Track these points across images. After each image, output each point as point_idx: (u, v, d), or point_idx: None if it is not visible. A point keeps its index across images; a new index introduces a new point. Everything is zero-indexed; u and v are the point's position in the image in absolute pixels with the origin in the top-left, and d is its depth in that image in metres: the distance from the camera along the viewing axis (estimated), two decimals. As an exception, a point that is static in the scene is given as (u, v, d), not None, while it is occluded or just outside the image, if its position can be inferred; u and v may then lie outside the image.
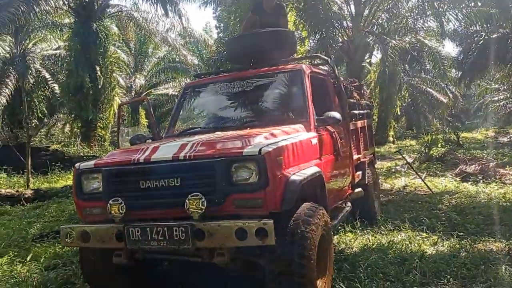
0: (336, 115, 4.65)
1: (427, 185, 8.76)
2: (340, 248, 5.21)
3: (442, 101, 30.42)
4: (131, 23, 19.96)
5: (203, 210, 3.26)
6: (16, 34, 20.65)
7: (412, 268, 4.45)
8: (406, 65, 22.60)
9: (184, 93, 5.29)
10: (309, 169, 3.87)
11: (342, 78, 6.58)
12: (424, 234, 5.66)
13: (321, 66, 6.02)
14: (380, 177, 11.10)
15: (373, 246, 5.17)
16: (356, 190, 6.11)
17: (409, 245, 5.23)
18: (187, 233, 3.28)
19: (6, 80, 19.87)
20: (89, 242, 3.53)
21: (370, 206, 6.40)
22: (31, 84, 19.25)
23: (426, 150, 13.63)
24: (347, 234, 5.73)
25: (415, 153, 15.02)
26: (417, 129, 32.62)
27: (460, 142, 20.28)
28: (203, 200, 3.27)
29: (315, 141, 4.36)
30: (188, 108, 5.34)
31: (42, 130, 23.52)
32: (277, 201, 3.35)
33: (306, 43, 11.50)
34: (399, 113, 27.24)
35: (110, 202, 3.42)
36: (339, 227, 5.80)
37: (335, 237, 5.70)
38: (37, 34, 22.50)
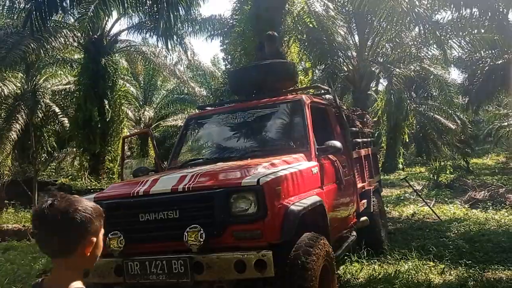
0: (337, 144, 4.66)
1: (435, 213, 8.66)
2: (346, 279, 5.13)
3: (450, 127, 30.26)
4: (140, 57, 20.30)
5: (202, 243, 3.26)
6: (27, 71, 21.16)
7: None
8: (413, 93, 22.64)
9: (187, 124, 5.36)
10: (310, 199, 3.86)
11: (344, 107, 6.62)
12: (431, 263, 5.56)
13: (323, 96, 6.06)
14: (388, 205, 11.07)
15: (379, 276, 5.08)
16: (362, 218, 6.07)
17: (416, 274, 5.14)
18: (186, 266, 3.27)
19: (17, 115, 20.26)
20: (88, 277, 3.51)
21: (376, 234, 6.31)
22: (39, 119, 19.55)
23: (435, 177, 13.51)
24: (353, 264, 5.64)
25: (424, 180, 14.88)
26: (426, 156, 32.35)
27: (470, 168, 20.15)
28: (201, 232, 3.27)
29: (316, 170, 4.37)
30: (192, 139, 5.39)
31: (52, 164, 23.74)
32: (276, 231, 3.34)
33: (310, 74, 11.61)
34: (407, 140, 27.04)
35: (109, 235, 3.42)
36: (345, 257, 5.72)
37: (341, 267, 5.64)
38: (48, 70, 23.01)
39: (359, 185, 6.10)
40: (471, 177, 15.23)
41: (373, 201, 6.42)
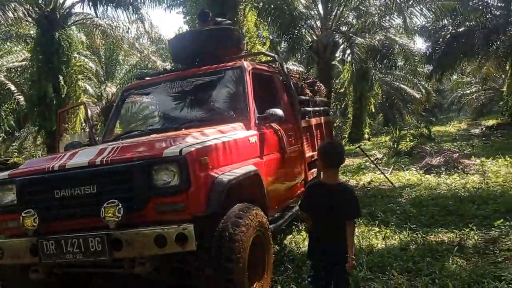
0: (279, 112, 4.52)
1: (389, 180, 8.71)
2: (290, 249, 5.06)
3: (415, 96, 30.73)
4: (97, 31, 19.61)
5: (119, 218, 3.09)
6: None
7: (359, 264, 4.32)
8: (378, 63, 22.63)
9: (123, 96, 5.10)
10: (244, 168, 3.75)
11: (296, 75, 6.46)
12: (377, 228, 5.55)
13: (270, 64, 5.85)
14: (348, 174, 11.11)
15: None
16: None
17: (361, 240, 5.11)
18: (103, 244, 3.10)
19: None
20: (3, 259, 3.32)
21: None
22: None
23: (395, 145, 13.61)
24: (301, 234, 5.58)
25: (386, 149, 14.99)
26: (393, 126, 32.84)
27: (432, 135, 20.45)
28: (119, 207, 3.10)
29: (254, 139, 4.24)
30: (129, 111, 5.14)
31: (14, 144, 22.99)
32: (201, 203, 3.21)
33: (267, 43, 11.36)
34: (373, 110, 27.26)
35: (23, 214, 3.21)
36: (293, 226, 5.66)
37: (289, 236, 5.57)
38: (3, 47, 22.10)
39: (308, 154, 6.01)
40: (431, 144, 15.43)
41: (324, 170, 6.35)
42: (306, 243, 5.16)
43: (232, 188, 3.50)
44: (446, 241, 5.04)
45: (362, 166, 12.52)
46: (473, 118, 33.06)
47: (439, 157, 10.99)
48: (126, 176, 3.20)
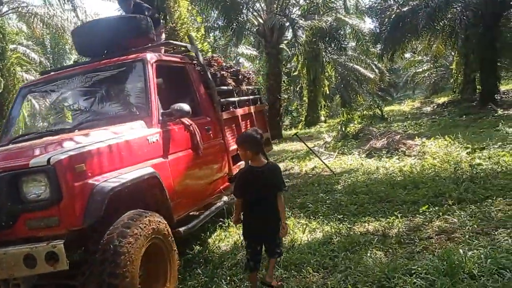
0: (185, 107, 4.23)
1: (327, 166, 8.57)
2: (208, 249, 4.83)
3: (369, 76, 30.96)
4: (36, 19, 18.66)
5: None
6: None
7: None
8: (332, 44, 22.56)
9: (19, 95, 4.67)
10: (135, 172, 3.43)
11: (220, 64, 6.17)
12: (303, 221, 5.38)
13: (187, 54, 5.53)
14: (294, 160, 10.94)
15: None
16: (237, 181, 5.76)
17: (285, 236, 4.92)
18: None
19: None
20: None
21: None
22: None
23: (343, 128, 13.54)
24: (227, 230, 5.35)
25: (335, 132, 14.93)
26: (348, 107, 33.07)
27: (385, 116, 20.62)
28: None
29: (155, 138, 3.94)
30: (27, 111, 4.73)
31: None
32: (77, 216, 2.91)
33: (202, 29, 10.96)
34: (328, 92, 27.23)
35: None
36: (220, 222, 5.42)
37: (214, 234, 5.33)
38: None
39: (233, 147, 5.76)
40: (381, 125, 15.48)
41: (253, 162, 6.13)
42: (229, 240, 5.04)
43: (120, 195, 3.22)
44: (371, 231, 4.93)
45: (310, 152, 12.43)
46: (426, 96, 33.60)
47: (383, 140, 10.98)
48: None
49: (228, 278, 4.03)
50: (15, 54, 16.03)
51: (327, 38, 21.04)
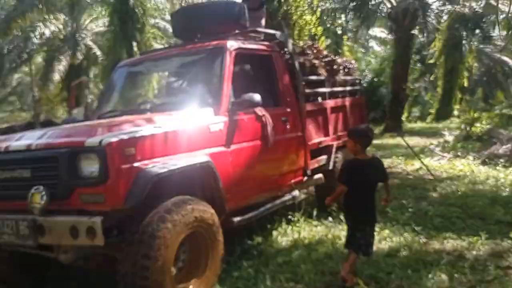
0: (255, 97, 4.24)
1: (428, 170, 7.94)
2: (269, 242, 4.83)
3: (517, 70, 27.67)
4: (176, -4, 19.96)
5: (42, 205, 3.12)
6: (71, 12, 21.58)
7: (324, 268, 4.03)
8: (472, 32, 20.59)
9: (114, 72, 5.08)
10: (186, 160, 3.54)
11: (312, 52, 6.03)
12: (377, 228, 5.07)
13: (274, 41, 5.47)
14: (401, 157, 10.30)
15: (305, 241, 4.75)
16: (316, 176, 5.67)
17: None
18: (29, 228, 3.17)
19: (60, 57, 20.93)
20: None
21: (335, 193, 5.86)
22: (79, 61, 20.10)
23: (466, 128, 12.38)
24: (295, 225, 5.29)
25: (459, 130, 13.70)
26: (489, 103, 30.05)
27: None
28: (43, 194, 3.12)
29: (218, 127, 4.01)
30: (119, 89, 5.11)
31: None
32: (119, 197, 3.11)
33: (318, 12, 10.58)
34: (466, 84, 24.96)
35: None
36: (289, 217, 5.39)
37: (281, 228, 5.29)
38: (93, 12, 23.34)
39: (316, 140, 5.65)
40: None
41: (337, 158, 5.95)
42: (292, 236, 4.98)
43: (169, 181, 3.37)
44: (448, 249, 4.51)
45: (426, 150, 11.65)
46: None
47: (509, 145, 9.85)
48: (52, 163, 3.20)
49: (274, 275, 3.99)
50: (151, 30, 17.31)
51: (470, 25, 19.26)
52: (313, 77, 5.70)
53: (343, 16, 20.49)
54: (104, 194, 3.08)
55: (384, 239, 4.83)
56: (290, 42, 5.41)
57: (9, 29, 19.74)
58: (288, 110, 5.11)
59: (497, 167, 8.17)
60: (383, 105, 19.91)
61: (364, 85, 21.78)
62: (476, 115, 12.92)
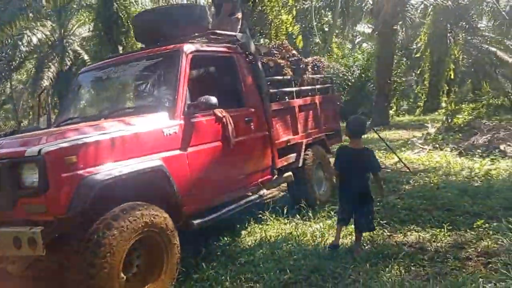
0: (211, 99, 4.24)
1: (403, 162, 7.94)
2: (235, 242, 4.84)
3: (507, 60, 27.63)
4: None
5: None
6: (59, 18, 21.52)
7: (285, 266, 4.04)
8: (456, 24, 20.62)
9: (76, 79, 5.08)
10: (135, 165, 3.54)
11: (277, 53, 6.04)
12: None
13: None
14: (383, 151, 10.27)
15: (271, 240, 4.76)
16: (285, 174, 5.70)
17: (315, 238, 4.74)
18: None
19: (49, 63, 20.90)
20: None
21: (307, 190, 5.89)
22: (68, 66, 20.07)
23: (448, 120, 12.39)
24: (268, 224, 5.30)
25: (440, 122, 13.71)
26: (478, 94, 30.06)
27: (515, 106, 18.49)
28: None
29: (172, 130, 4.01)
30: (79, 95, 5.09)
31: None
32: (62, 206, 3.12)
33: (294, 11, 10.59)
34: (452, 76, 24.97)
35: None
36: (260, 216, 5.40)
37: (250, 228, 5.31)
38: (80, 17, 23.27)
39: (284, 138, 5.67)
40: (505, 117, 13.80)
41: (307, 155, 5.96)
42: (259, 235, 4.98)
43: (118, 187, 3.38)
44: (410, 242, 4.52)
45: (409, 142, 11.65)
46: None
47: (488, 136, 9.88)
48: None
49: (235, 275, 4.01)
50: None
51: (454, 18, 19.31)
52: (279, 77, 5.71)
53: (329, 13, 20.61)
54: (45, 204, 3.10)
55: (350, 234, 4.83)
56: (251, 43, 5.43)
57: (-4, 38, 19.73)
58: (252, 110, 5.13)
59: (474, 158, 8.17)
60: (371, 100, 19.94)
61: (352, 80, 21.96)
62: (457, 107, 12.91)
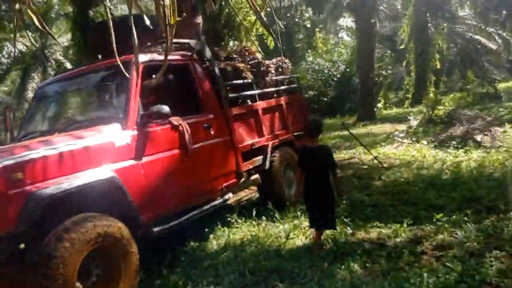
0: (163, 108, 4.27)
1: (376, 159, 7.99)
2: (201, 246, 4.89)
3: (491, 48, 27.77)
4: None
5: None
6: (38, 28, 21.40)
7: (247, 268, 4.10)
8: (435, 14, 20.70)
9: (35, 94, 5.12)
10: (84, 178, 3.59)
11: (237, 57, 6.08)
12: (306, 222, 5.13)
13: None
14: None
15: (237, 243, 4.82)
16: (253, 177, 5.76)
17: (279, 239, 4.79)
18: None
19: (33, 74, 20.86)
20: None
21: (275, 192, 5.95)
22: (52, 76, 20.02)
23: (429, 112, 12.42)
24: (236, 226, 5.35)
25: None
26: (465, 82, 30.18)
27: (501, 94, 18.61)
28: None
29: (125, 141, 4.05)
30: (38, 110, 5.12)
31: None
32: (10, 221, 3.17)
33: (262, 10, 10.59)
34: (439, 66, 25.03)
35: None
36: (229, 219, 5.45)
37: (219, 232, 5.34)
38: (61, 27, 23.21)
39: (248, 142, 5.72)
40: (488, 105, 13.87)
41: (274, 157, 6.01)
42: (224, 239, 5.03)
43: (68, 200, 3.44)
44: (373, 238, 4.58)
45: (391, 136, 11.69)
46: None
47: (466, 126, 9.95)
48: None
49: (198, 279, 4.05)
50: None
51: (434, 7, 19.37)
52: (238, 81, 5.74)
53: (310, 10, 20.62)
54: None
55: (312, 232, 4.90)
56: (207, 49, 5.47)
57: (-25, 51, 19.69)
58: (211, 116, 5.17)
59: (448, 150, 8.24)
60: (357, 95, 20.02)
61: (338, 75, 22.01)
62: (437, 97, 12.96)
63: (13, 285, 3.55)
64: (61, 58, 21.59)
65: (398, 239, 4.45)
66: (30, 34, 20.77)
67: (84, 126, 4.21)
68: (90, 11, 16.17)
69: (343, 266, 3.93)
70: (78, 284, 3.38)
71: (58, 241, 3.25)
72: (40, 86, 5.22)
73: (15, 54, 19.80)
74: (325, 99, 21.12)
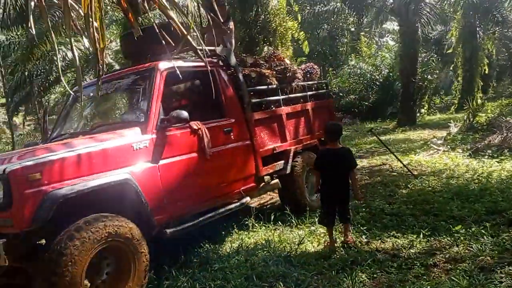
0: (182, 113, 4.44)
1: (405, 166, 7.82)
2: (215, 249, 5.00)
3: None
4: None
5: None
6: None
7: (255, 273, 4.16)
8: (484, 18, 19.99)
9: (71, 97, 5.40)
10: (101, 179, 3.78)
11: (263, 63, 6.16)
12: (321, 229, 5.14)
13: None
14: (397, 153, 10.14)
15: (250, 247, 4.88)
16: (272, 181, 5.83)
17: (292, 245, 4.83)
18: None
19: (85, 76, 21.78)
20: None
21: (296, 196, 6.00)
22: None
23: (469, 119, 12.03)
24: (253, 230, 5.44)
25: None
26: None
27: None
28: None
29: (143, 144, 4.22)
30: (72, 112, 5.41)
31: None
32: (26, 219, 3.39)
33: (299, 17, 10.62)
34: (487, 71, 24.14)
35: None
36: (247, 223, 5.54)
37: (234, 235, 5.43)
38: (114, 31, 24.06)
39: (270, 146, 5.79)
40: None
41: (296, 162, 6.06)
42: (238, 242, 5.11)
43: (83, 200, 3.63)
44: (387, 248, 4.54)
45: (428, 143, 11.43)
46: None
47: (504, 134, 9.58)
48: None
49: (206, 282, 4.14)
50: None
51: (482, 11, 18.73)
52: (262, 87, 5.82)
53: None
54: (11, 218, 3.38)
55: (324, 236, 4.92)
56: (232, 56, 5.58)
57: (31, 55, 20.72)
58: (232, 120, 5.28)
59: (483, 159, 7.98)
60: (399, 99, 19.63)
61: (381, 80, 21.66)
62: (482, 103, 12.51)
63: (31, 281, 3.79)
64: (111, 61, 22.43)
65: (412, 250, 4.39)
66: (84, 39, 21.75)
67: (107, 130, 4.42)
68: (139, 18, 16.86)
69: (350, 276, 3.92)
70: (86, 282, 3.56)
71: (69, 239, 3.44)
72: (74, 89, 5.51)
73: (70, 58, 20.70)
74: (366, 103, 20.90)
